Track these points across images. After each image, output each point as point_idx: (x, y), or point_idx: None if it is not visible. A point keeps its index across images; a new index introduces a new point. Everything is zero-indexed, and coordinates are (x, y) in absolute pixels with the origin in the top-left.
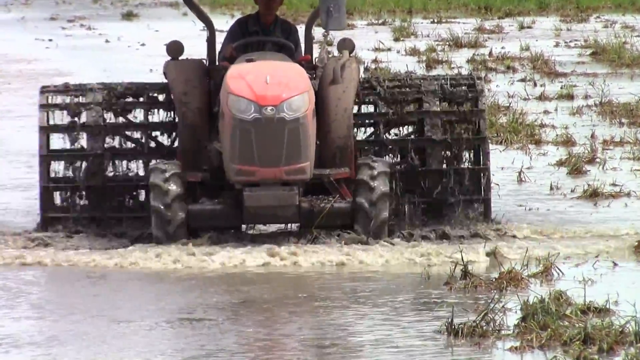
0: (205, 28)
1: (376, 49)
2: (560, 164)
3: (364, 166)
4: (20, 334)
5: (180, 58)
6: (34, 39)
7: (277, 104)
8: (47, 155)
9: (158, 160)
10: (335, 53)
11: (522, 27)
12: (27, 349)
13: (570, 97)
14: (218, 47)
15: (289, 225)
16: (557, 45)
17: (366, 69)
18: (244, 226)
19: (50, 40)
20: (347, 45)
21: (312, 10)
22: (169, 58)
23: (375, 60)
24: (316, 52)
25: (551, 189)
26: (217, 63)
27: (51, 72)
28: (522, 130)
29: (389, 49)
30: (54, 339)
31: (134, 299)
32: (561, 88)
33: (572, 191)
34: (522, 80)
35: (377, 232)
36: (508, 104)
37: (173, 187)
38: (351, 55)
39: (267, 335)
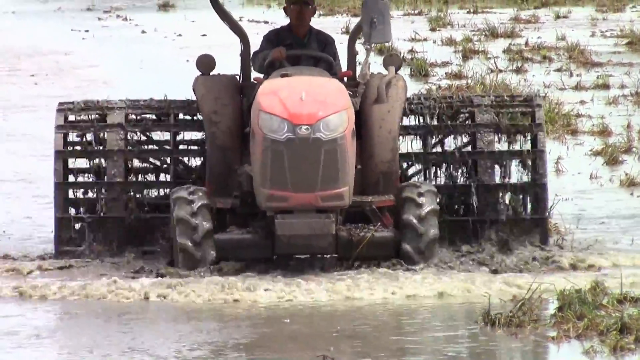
0: (239, 41)
1: (412, 39)
2: (596, 153)
3: (409, 186)
4: (41, 327)
5: (211, 74)
6: (70, 29)
7: (312, 123)
8: (64, 183)
9: (181, 187)
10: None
11: (558, 17)
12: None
13: (606, 86)
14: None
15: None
16: (593, 35)
17: (403, 59)
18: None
19: (86, 31)
20: (393, 61)
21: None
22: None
23: (411, 51)
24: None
25: (590, 178)
26: (250, 73)
27: (86, 64)
28: (558, 120)
29: (425, 39)
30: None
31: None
32: (597, 78)
33: (610, 181)
34: (558, 70)
35: (426, 251)
36: (544, 94)
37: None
38: (397, 72)
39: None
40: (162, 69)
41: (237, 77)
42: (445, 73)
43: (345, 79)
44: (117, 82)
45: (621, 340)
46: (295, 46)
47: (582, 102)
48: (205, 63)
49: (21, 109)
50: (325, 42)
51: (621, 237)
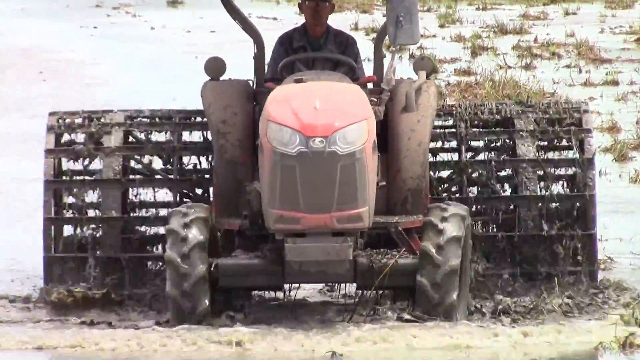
0: (253, 42)
1: (421, 36)
2: (605, 150)
3: (435, 209)
4: None
5: (221, 78)
6: (78, 26)
7: (328, 135)
8: (53, 182)
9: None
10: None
11: (567, 14)
12: None
13: (615, 83)
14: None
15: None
16: (602, 31)
17: (412, 56)
18: (286, 286)
19: (94, 27)
20: (424, 65)
21: None
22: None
23: (420, 47)
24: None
25: (600, 175)
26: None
27: (93, 62)
28: None
29: (434, 36)
30: None
31: None
32: (606, 74)
33: (620, 177)
34: (567, 66)
35: (444, 284)
36: (553, 91)
37: (193, 234)
38: (429, 77)
39: None
40: (170, 67)
41: (251, 82)
42: (454, 69)
43: (369, 85)
44: (123, 81)
45: (631, 336)
46: (309, 49)
47: (591, 99)
48: (215, 67)
49: (27, 108)
50: (346, 43)
51: None
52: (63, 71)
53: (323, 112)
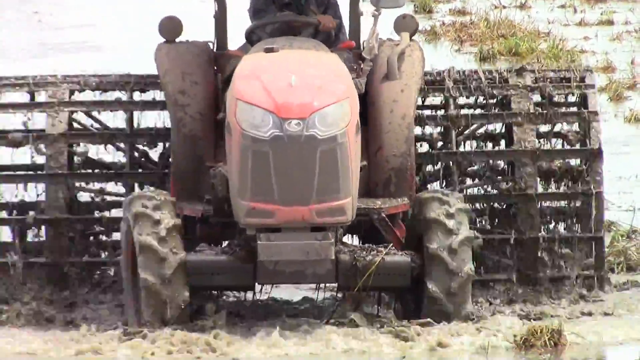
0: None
1: None
2: (600, 90)
3: (434, 200)
4: None
5: (177, 40)
6: None
7: (305, 117)
8: None
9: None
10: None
11: None
12: None
13: (610, 23)
14: (232, 27)
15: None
16: None
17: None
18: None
19: None
20: (407, 24)
21: None
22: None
23: None
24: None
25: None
26: (227, 41)
27: (86, 4)
28: (562, 56)
29: None
30: None
31: None
32: (601, 14)
33: (615, 117)
34: (562, 6)
35: (460, 293)
36: (548, 30)
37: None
38: (413, 39)
39: None
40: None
41: (211, 44)
42: (449, 9)
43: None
44: (116, 23)
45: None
46: (294, 7)
47: (586, 39)
48: (170, 27)
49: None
50: (327, 4)
51: None
52: (56, 16)
53: (300, 90)
